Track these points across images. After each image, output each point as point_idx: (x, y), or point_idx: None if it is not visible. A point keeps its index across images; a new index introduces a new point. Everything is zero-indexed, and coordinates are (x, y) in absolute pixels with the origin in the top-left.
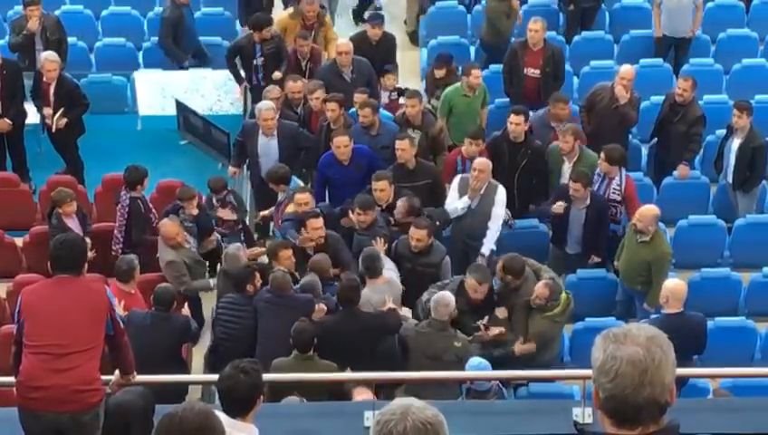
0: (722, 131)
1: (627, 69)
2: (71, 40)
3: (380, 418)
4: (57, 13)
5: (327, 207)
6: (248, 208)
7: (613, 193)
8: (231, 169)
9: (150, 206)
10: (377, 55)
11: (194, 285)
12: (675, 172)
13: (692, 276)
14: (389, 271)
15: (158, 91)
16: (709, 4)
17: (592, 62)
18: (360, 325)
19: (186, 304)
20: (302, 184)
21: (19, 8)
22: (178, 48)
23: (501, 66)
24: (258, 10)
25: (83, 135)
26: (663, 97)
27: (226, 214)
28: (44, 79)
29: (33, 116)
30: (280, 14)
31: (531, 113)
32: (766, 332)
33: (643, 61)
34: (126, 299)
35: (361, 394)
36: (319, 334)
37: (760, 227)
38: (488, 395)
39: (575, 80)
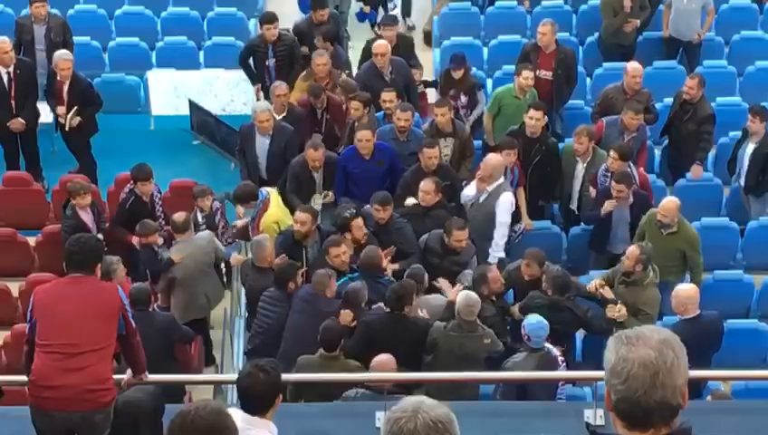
0: (735, 133)
1: (637, 66)
2: (84, 39)
3: (391, 416)
4: (70, 12)
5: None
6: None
7: None
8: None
9: (157, 207)
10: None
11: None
12: (688, 174)
13: (704, 278)
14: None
15: (171, 90)
16: (723, 6)
17: (605, 64)
18: (402, 328)
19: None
20: (273, 192)
21: None
22: (250, 69)
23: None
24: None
25: (96, 134)
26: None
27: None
28: (58, 78)
29: (46, 115)
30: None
31: (605, 118)
32: None
33: (657, 63)
34: None
35: None
36: (364, 331)
37: None
38: (541, 352)
39: (588, 81)
